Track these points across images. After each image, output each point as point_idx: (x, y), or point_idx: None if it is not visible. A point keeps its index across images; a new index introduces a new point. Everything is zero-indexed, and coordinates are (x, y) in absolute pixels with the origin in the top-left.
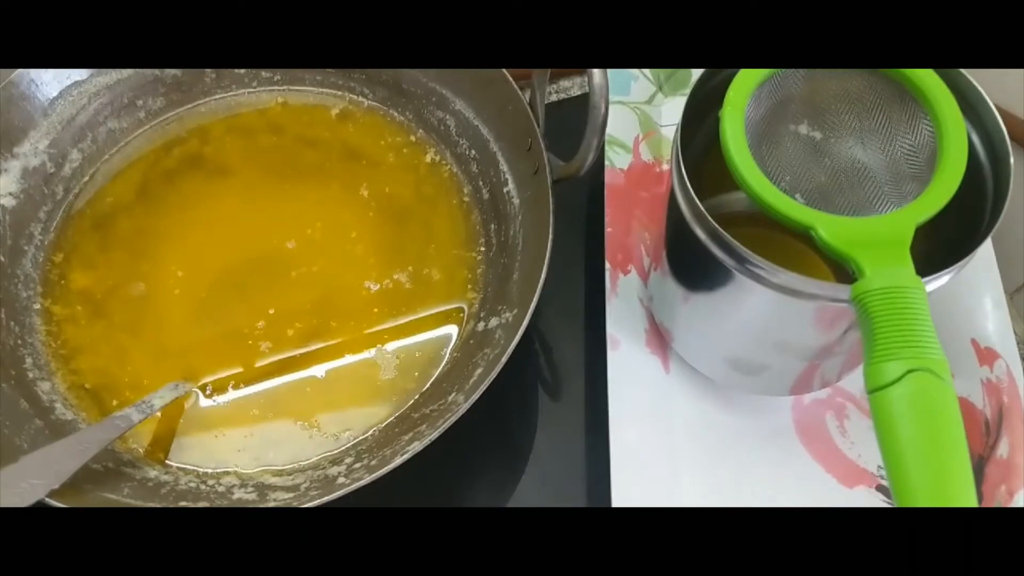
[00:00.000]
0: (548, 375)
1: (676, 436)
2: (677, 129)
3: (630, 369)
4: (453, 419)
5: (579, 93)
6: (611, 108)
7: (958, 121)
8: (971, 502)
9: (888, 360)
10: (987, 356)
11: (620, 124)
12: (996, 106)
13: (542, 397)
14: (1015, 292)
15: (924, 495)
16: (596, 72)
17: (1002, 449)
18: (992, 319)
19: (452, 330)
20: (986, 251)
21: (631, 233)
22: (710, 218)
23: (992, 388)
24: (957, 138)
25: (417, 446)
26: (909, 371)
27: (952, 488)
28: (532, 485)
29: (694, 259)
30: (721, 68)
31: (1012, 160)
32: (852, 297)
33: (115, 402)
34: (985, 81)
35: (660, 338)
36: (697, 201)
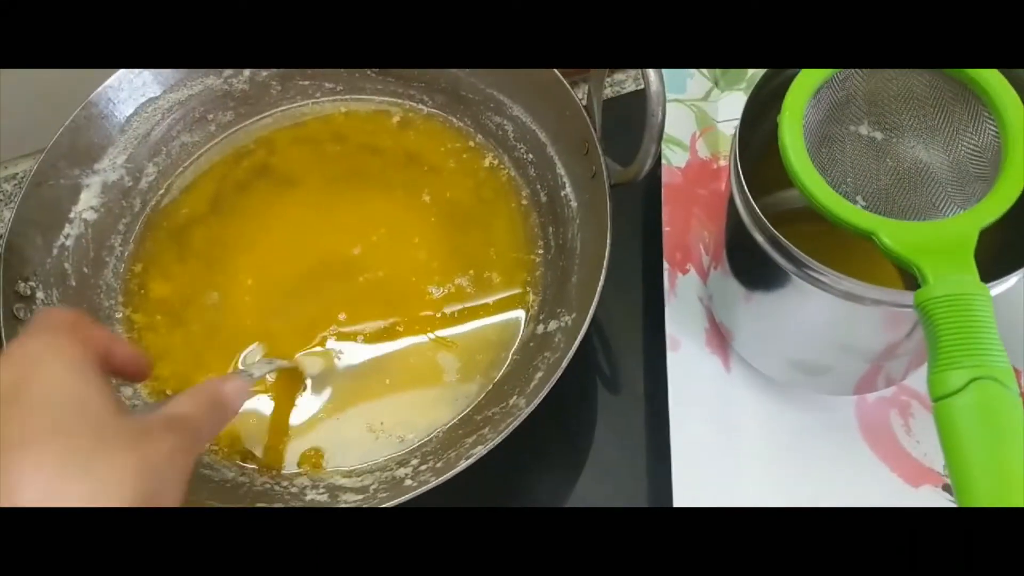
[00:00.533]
0: (608, 371)
1: (738, 435)
2: (735, 135)
3: (690, 369)
4: (515, 424)
5: (634, 88)
6: (667, 107)
7: (1022, 120)
8: None
9: (952, 368)
10: None
11: (676, 122)
12: None
13: (601, 392)
14: None
15: (989, 504)
16: (653, 79)
17: None
18: None
19: (512, 332)
20: None
21: (690, 231)
22: (769, 224)
23: None
24: (1022, 138)
25: (481, 450)
26: (973, 379)
27: (1017, 499)
28: (593, 480)
29: (754, 262)
30: (781, 68)
31: None
32: (915, 304)
33: None
34: None
35: (720, 337)
36: (756, 207)
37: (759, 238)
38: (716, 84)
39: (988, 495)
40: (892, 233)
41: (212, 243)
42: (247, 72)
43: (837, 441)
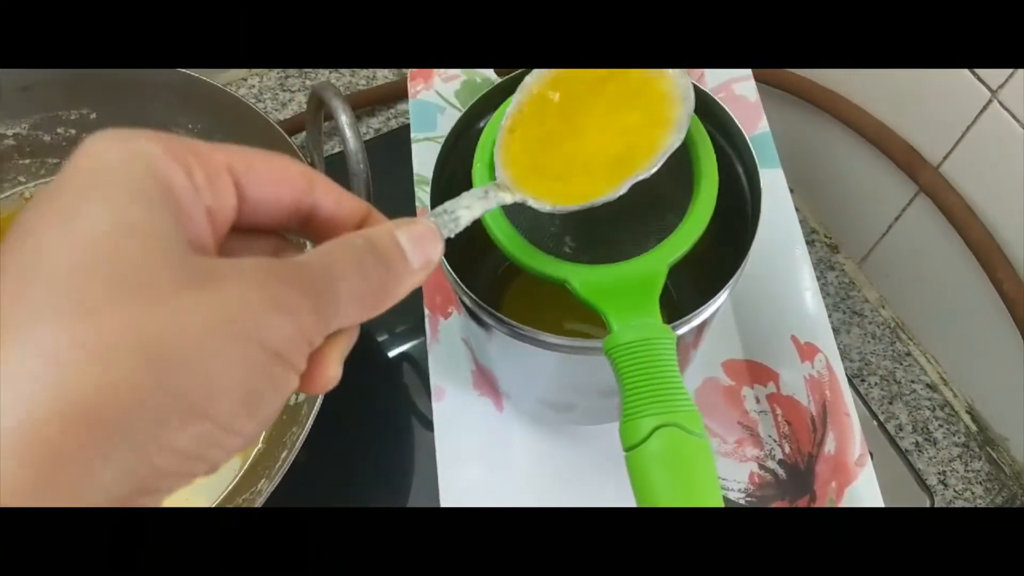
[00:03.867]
0: (424, 410)
1: (510, 472)
2: (431, 196)
3: (459, 415)
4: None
5: (397, 126)
6: (417, 145)
7: (711, 157)
8: None
9: (638, 417)
10: (807, 351)
11: (428, 160)
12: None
13: (417, 430)
14: (862, 260)
15: None
16: (349, 135)
17: (829, 445)
18: (810, 314)
19: None
20: (800, 250)
21: None
22: (470, 293)
23: (815, 383)
24: (708, 172)
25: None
26: (658, 427)
27: None
28: None
29: (474, 320)
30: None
31: (762, 183)
32: (605, 352)
33: None
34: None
35: (487, 378)
36: (457, 279)
37: (466, 300)
38: None
39: None
40: (582, 279)
41: None
42: None
43: (606, 468)
